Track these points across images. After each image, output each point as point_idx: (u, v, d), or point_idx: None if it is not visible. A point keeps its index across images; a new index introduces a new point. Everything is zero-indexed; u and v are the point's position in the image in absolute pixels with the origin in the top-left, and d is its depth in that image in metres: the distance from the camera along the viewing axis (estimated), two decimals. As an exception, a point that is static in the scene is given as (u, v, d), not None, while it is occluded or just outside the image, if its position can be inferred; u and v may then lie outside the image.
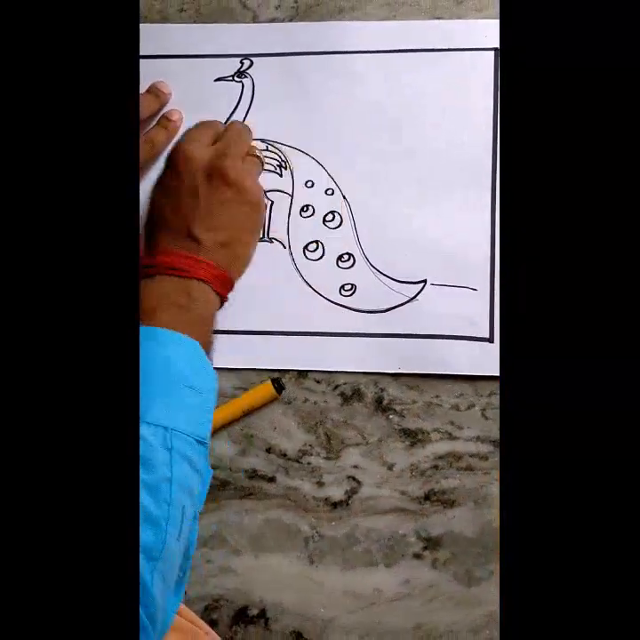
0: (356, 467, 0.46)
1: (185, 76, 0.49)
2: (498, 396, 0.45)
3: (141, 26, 0.49)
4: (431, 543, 0.45)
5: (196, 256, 0.41)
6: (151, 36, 0.49)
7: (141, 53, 0.49)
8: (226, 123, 0.48)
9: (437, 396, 0.46)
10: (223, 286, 0.42)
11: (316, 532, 0.46)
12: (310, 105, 0.48)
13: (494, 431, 0.45)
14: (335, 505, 0.46)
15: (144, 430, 0.34)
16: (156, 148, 0.47)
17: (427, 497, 0.45)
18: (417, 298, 0.46)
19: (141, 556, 0.31)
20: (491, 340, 0.45)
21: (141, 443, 0.33)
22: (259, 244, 0.47)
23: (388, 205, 0.47)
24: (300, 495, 0.46)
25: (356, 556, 0.45)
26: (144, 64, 0.49)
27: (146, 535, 0.32)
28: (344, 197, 0.47)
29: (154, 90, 0.48)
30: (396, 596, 0.45)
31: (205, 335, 0.40)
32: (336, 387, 0.46)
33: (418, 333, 0.46)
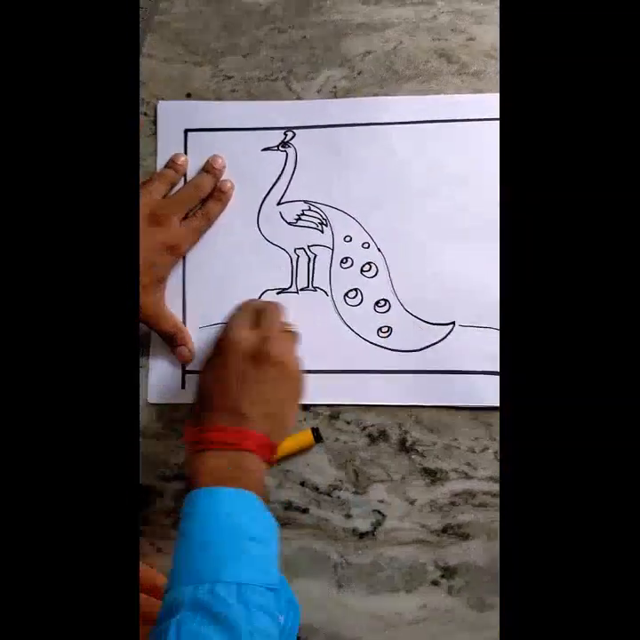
0: (381, 501, 0.51)
1: (235, 147, 0.54)
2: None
3: (197, 103, 0.55)
4: (448, 572, 0.49)
5: (244, 429, 0.42)
6: (206, 112, 0.55)
7: (197, 127, 0.55)
8: (272, 186, 0.54)
9: (455, 439, 0.51)
10: (268, 453, 0.43)
11: (344, 560, 0.50)
12: (346, 170, 0.54)
13: (505, 472, 0.50)
14: (362, 535, 0.50)
15: (219, 589, 0.36)
16: (211, 219, 0.53)
17: (444, 530, 0.50)
18: (447, 338, 0.52)
19: None
20: None
21: (219, 604, 0.35)
22: (305, 292, 0.53)
23: (418, 256, 0.53)
24: (331, 526, 0.51)
25: (379, 582, 0.50)
26: (200, 136, 0.55)
27: None
28: (379, 250, 0.53)
29: (210, 168, 0.54)
30: (415, 619, 0.49)
31: (259, 494, 0.41)
32: (364, 428, 0.52)
33: (448, 370, 0.51)
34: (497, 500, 0.50)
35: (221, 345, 0.45)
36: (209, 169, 0.54)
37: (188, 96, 0.55)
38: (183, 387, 0.53)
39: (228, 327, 0.46)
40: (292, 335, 0.48)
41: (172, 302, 0.53)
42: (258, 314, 0.47)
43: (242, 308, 0.48)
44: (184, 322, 0.53)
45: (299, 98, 0.55)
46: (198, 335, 0.53)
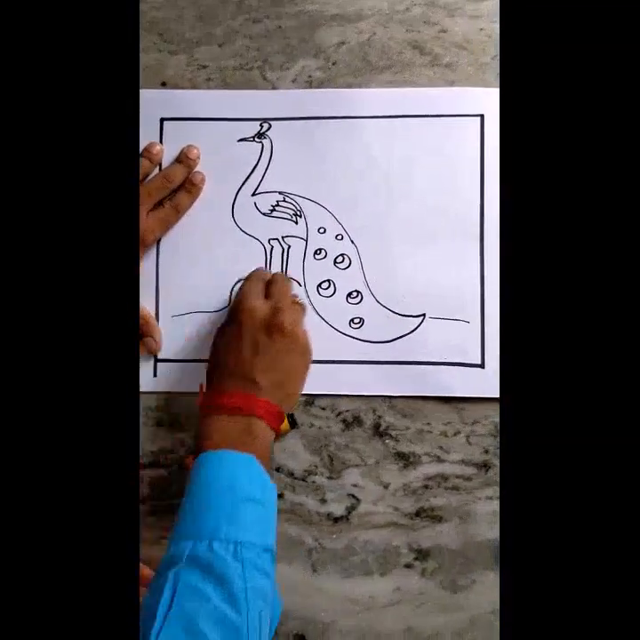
0: (355, 485, 0.51)
1: (211, 136, 0.55)
2: (481, 424, 0.51)
3: (173, 91, 0.55)
4: (421, 554, 0.50)
5: (254, 396, 0.45)
6: (182, 101, 0.55)
7: (172, 116, 0.55)
8: (247, 177, 0.54)
9: (428, 424, 0.51)
10: (276, 420, 0.45)
11: (319, 544, 0.51)
12: (322, 162, 0.54)
13: (477, 455, 0.51)
14: (336, 520, 0.51)
15: (217, 546, 0.38)
16: (180, 211, 0.53)
17: (417, 513, 0.51)
18: (417, 329, 0.52)
19: None
20: (482, 366, 0.51)
21: (216, 560, 0.37)
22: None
23: (391, 249, 0.53)
24: (305, 510, 0.51)
25: (353, 566, 0.50)
26: (175, 125, 0.55)
27: None
28: (352, 242, 0.54)
29: (183, 159, 0.54)
30: (389, 601, 0.50)
31: (266, 459, 0.44)
32: (339, 414, 0.52)
33: (418, 361, 0.52)
34: (469, 483, 0.51)
35: (236, 313, 0.47)
36: (183, 159, 0.54)
37: (164, 85, 0.56)
38: (155, 375, 0.53)
39: (241, 296, 0.48)
40: (300, 307, 0.50)
41: (144, 291, 0.53)
42: (268, 284, 0.49)
43: (252, 278, 0.49)
44: (157, 311, 0.54)
45: (274, 87, 0.55)
46: (171, 324, 0.53)
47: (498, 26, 0.55)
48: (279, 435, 0.50)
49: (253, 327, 0.46)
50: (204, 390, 0.47)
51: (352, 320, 0.53)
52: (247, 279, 0.50)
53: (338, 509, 0.51)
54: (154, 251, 0.54)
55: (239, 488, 0.41)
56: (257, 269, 0.51)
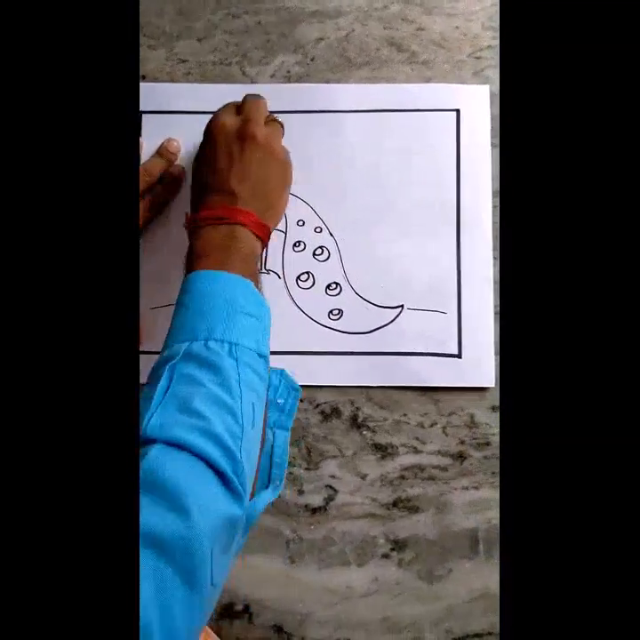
0: (333, 476, 0.51)
1: (191, 130, 0.54)
2: (456, 415, 0.52)
3: (153, 85, 0.56)
4: (398, 545, 0.50)
5: (235, 206, 0.45)
6: (161, 94, 0.55)
7: (152, 109, 0.56)
8: None
9: (405, 415, 0.52)
10: (261, 230, 0.46)
11: (297, 535, 0.51)
12: (300, 155, 0.54)
13: (453, 446, 0.51)
14: (314, 511, 0.51)
15: (212, 344, 0.39)
16: (157, 205, 0.54)
17: (394, 504, 0.51)
18: (395, 320, 0.53)
19: (229, 437, 0.36)
20: (459, 356, 0.52)
21: (212, 354, 0.39)
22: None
23: (369, 241, 0.54)
24: (283, 502, 0.51)
25: (331, 557, 0.50)
26: (154, 119, 0.55)
27: (227, 420, 0.37)
28: (331, 234, 0.54)
29: (163, 152, 0.54)
30: (366, 592, 0.50)
31: (253, 269, 0.45)
32: (317, 405, 0.52)
33: (396, 351, 0.52)
34: (445, 474, 0.51)
35: (209, 133, 0.48)
36: (162, 152, 0.54)
37: (143, 78, 0.56)
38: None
39: (213, 117, 0.49)
40: (277, 124, 0.50)
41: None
42: (241, 105, 0.50)
43: (226, 104, 0.50)
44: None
45: (253, 82, 0.56)
46: (150, 316, 0.53)
47: (473, 24, 0.56)
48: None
49: (225, 139, 0.47)
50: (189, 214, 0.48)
51: (331, 311, 0.53)
52: (220, 108, 0.50)
53: (315, 500, 0.51)
54: (132, 243, 0.54)
55: (235, 302, 0.41)
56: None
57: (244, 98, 0.50)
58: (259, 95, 0.50)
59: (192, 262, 0.44)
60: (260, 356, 0.42)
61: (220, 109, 0.50)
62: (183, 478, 0.33)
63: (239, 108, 0.50)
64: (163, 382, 0.38)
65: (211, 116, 0.55)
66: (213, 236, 0.45)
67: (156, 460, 0.34)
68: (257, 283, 0.45)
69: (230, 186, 0.46)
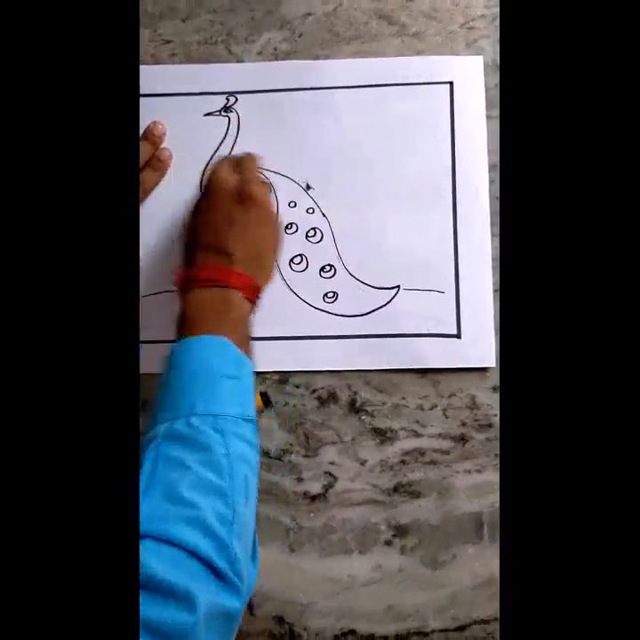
0: (332, 463, 0.50)
1: (177, 112, 0.54)
2: (457, 397, 0.50)
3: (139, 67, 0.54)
4: (400, 531, 0.49)
5: (229, 268, 0.45)
6: (146, 77, 0.54)
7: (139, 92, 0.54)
8: (214, 152, 0.53)
9: (404, 398, 0.51)
10: (252, 292, 0.45)
11: (296, 524, 0.50)
12: (290, 134, 0.53)
13: (454, 428, 0.50)
14: (313, 498, 0.50)
15: (194, 421, 0.38)
16: (148, 189, 0.52)
17: (395, 489, 0.50)
18: (392, 302, 0.51)
19: (219, 525, 0.35)
20: (458, 336, 0.51)
21: (197, 433, 0.37)
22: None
23: (363, 221, 0.52)
24: (282, 490, 0.50)
25: (332, 545, 0.49)
26: (140, 102, 0.54)
27: (217, 505, 0.35)
28: (323, 215, 0.53)
29: (149, 135, 0.52)
30: (368, 580, 0.49)
31: (243, 334, 0.44)
32: (314, 391, 0.51)
33: (394, 333, 0.51)
34: (446, 457, 0.50)
35: (208, 189, 0.48)
36: (148, 136, 0.53)
37: (127, 61, 0.54)
38: None
39: (212, 173, 0.48)
40: (266, 184, 0.50)
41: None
42: (237, 163, 0.49)
43: (221, 161, 0.50)
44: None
45: (239, 61, 0.54)
46: (142, 304, 0.52)
47: (466, -6, 0.55)
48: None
49: (225, 198, 0.46)
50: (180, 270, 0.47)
51: (326, 294, 0.52)
52: (217, 162, 0.50)
53: (315, 488, 0.50)
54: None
55: (212, 368, 0.40)
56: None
57: (240, 156, 0.49)
58: (253, 153, 0.50)
59: (183, 327, 0.43)
60: (247, 420, 0.40)
61: (216, 164, 0.49)
62: (175, 576, 0.32)
63: (234, 162, 0.49)
64: (147, 466, 0.36)
65: (197, 97, 0.54)
66: (205, 298, 0.44)
67: (148, 559, 0.32)
68: (246, 346, 0.44)
69: (227, 246, 0.45)
